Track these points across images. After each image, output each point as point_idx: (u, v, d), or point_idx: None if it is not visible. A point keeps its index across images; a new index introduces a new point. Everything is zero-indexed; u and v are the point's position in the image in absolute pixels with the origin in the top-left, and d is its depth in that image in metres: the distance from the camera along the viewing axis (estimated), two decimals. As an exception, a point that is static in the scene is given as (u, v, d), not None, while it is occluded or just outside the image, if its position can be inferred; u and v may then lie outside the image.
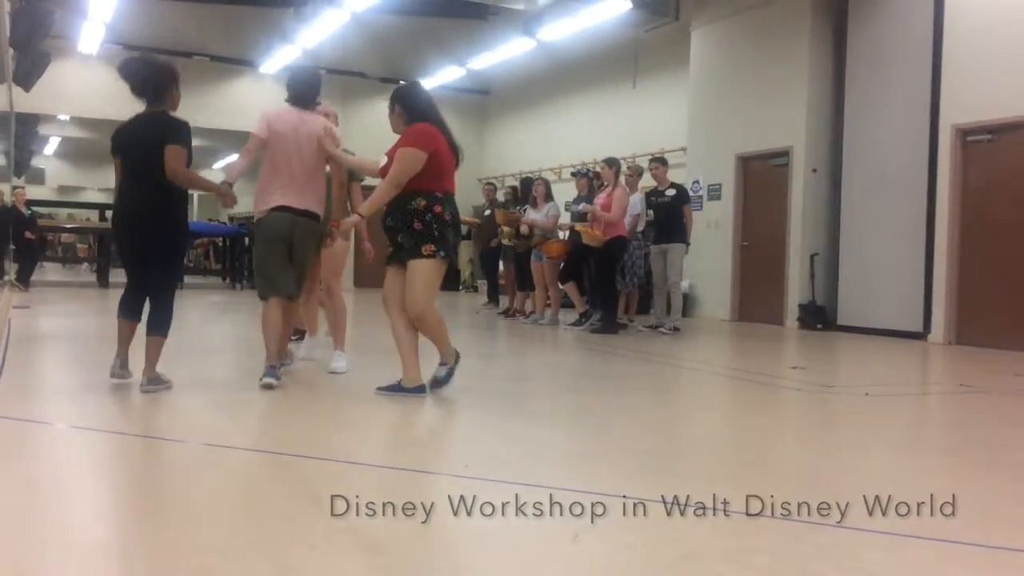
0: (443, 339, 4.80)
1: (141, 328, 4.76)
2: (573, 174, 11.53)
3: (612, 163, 9.57)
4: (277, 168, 4.97)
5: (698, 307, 12.52)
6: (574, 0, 12.35)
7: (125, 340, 4.81)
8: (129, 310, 4.82)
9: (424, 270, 4.59)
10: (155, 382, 4.68)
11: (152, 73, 4.71)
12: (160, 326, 4.69)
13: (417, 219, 4.57)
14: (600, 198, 9.40)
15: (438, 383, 4.81)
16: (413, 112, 4.72)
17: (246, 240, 16.19)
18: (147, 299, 4.78)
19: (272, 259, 4.98)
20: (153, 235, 4.62)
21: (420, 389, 4.71)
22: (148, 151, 4.53)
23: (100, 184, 31.25)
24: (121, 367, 4.78)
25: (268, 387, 4.81)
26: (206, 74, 16.39)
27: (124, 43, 15.60)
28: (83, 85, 16.12)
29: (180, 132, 4.59)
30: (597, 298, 9.57)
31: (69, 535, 2.51)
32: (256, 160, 5.07)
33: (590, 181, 10.35)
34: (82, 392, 4.78)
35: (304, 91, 5.14)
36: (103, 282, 15.17)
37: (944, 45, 9.27)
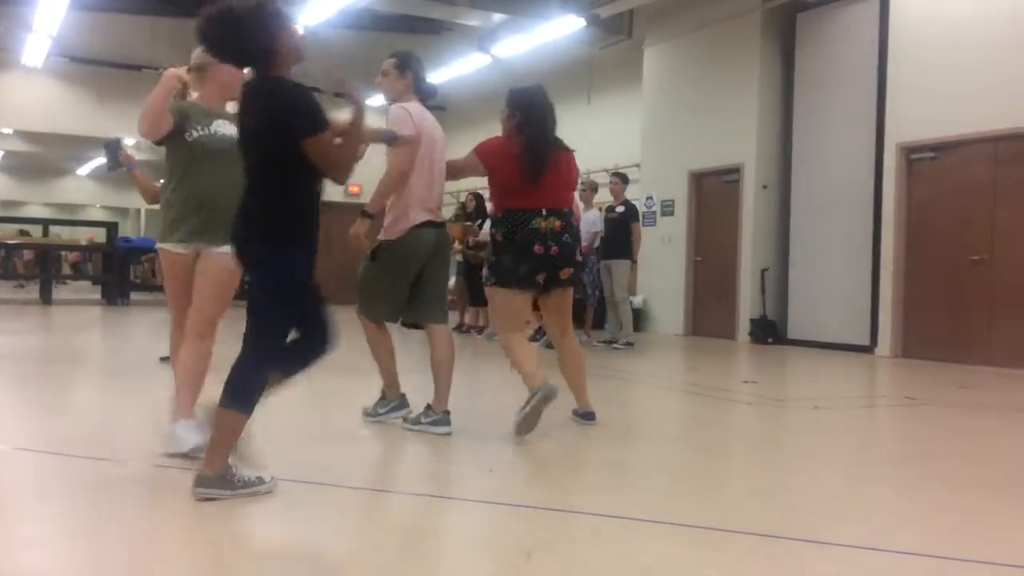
0: (524, 375, 4.28)
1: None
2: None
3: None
4: (421, 176, 4.23)
5: (651, 322, 12.61)
6: (528, 17, 12.43)
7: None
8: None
9: (488, 298, 4.53)
10: (211, 483, 2.95)
11: (216, 24, 2.95)
12: (227, 392, 2.98)
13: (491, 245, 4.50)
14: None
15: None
16: (513, 124, 4.43)
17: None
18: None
19: (399, 290, 4.29)
20: (250, 263, 3.05)
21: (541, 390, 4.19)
22: (250, 137, 3.05)
23: (45, 199, 30.59)
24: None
25: (446, 432, 4.22)
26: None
27: (70, 56, 15.36)
28: (27, 98, 15.81)
29: (298, 110, 2.95)
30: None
31: (5, 560, 2.42)
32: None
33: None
34: (26, 412, 4.65)
35: (428, 82, 4.46)
36: (46, 299, 14.80)
37: (888, 65, 9.51)
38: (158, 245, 3.81)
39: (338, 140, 3.09)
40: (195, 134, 3.68)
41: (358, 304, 4.40)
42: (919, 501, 3.36)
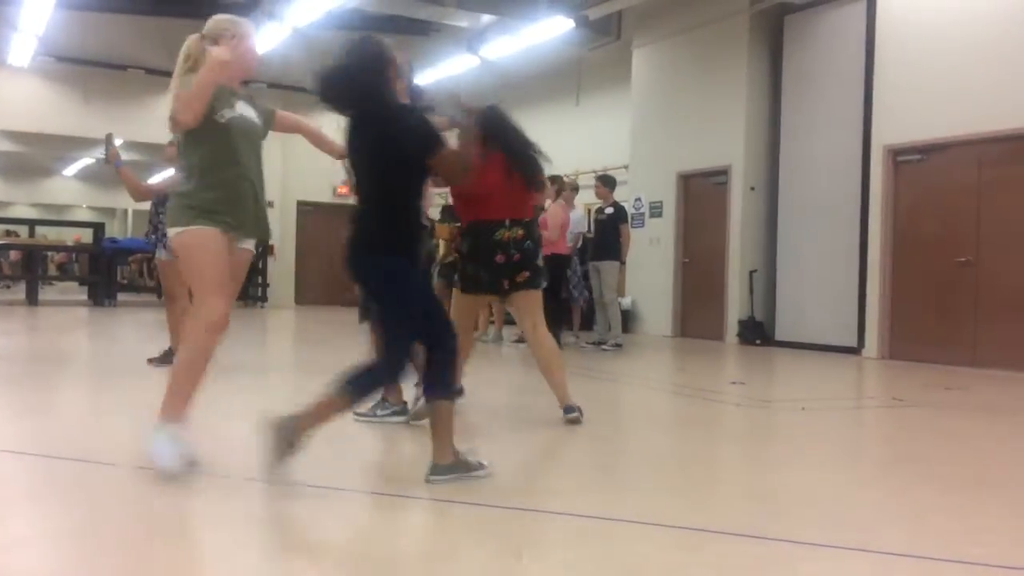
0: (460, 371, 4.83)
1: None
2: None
3: (555, 180, 9.62)
4: None
5: (640, 323, 12.63)
6: (517, 18, 12.43)
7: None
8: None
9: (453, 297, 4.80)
10: (279, 443, 3.06)
11: (335, 85, 3.25)
12: (349, 383, 3.19)
13: None
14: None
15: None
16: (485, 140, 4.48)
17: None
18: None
19: None
20: (358, 274, 3.30)
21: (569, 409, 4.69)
22: (362, 162, 3.31)
23: (31, 199, 30.39)
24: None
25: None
26: (142, 87, 16.04)
27: (56, 55, 15.28)
28: (13, 98, 15.73)
29: (417, 133, 3.21)
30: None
31: (-8, 564, 2.41)
32: None
33: (533, 198, 10.38)
34: (12, 414, 4.61)
35: (417, 84, 4.66)
36: (32, 300, 14.71)
37: (875, 67, 9.56)
38: (193, 227, 3.29)
39: (455, 141, 3.33)
40: (225, 116, 3.38)
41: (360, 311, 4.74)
42: (906, 502, 3.38)
